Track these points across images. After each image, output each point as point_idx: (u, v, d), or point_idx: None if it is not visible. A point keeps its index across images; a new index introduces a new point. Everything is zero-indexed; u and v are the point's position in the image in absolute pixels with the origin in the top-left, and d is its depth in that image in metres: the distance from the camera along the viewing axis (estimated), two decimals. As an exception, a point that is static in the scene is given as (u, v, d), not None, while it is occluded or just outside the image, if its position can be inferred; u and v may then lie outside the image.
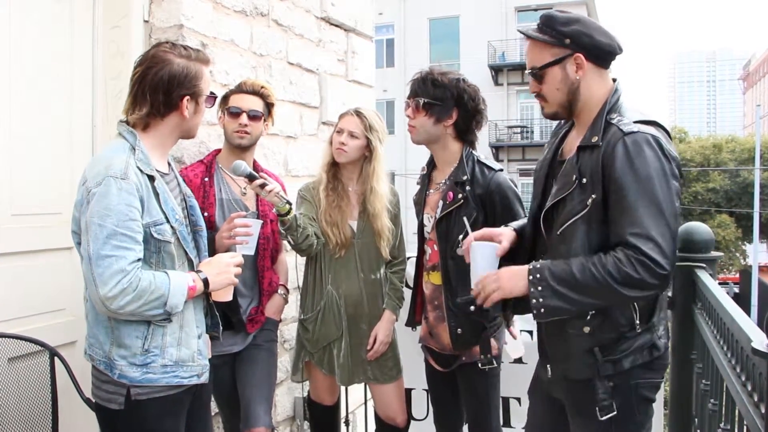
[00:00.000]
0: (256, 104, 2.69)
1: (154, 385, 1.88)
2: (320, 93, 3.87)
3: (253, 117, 2.67)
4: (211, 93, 2.06)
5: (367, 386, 3.25)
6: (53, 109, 2.55)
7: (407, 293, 2.94)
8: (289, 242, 2.75)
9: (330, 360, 2.87)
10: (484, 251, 2.00)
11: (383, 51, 26.64)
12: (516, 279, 1.85)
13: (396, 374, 2.94)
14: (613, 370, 1.82)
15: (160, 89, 1.92)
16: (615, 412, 1.80)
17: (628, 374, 1.83)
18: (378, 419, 3.05)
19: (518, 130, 26.51)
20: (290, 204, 2.57)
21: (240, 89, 2.71)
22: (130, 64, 2.71)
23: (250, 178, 2.47)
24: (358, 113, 2.82)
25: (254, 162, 2.81)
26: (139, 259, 1.82)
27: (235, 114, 2.65)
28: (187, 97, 1.95)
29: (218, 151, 2.79)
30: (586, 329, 1.83)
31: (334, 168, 2.86)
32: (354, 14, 4.17)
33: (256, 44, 3.30)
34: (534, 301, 1.79)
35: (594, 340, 1.83)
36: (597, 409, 1.81)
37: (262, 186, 2.46)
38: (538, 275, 1.80)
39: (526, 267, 1.85)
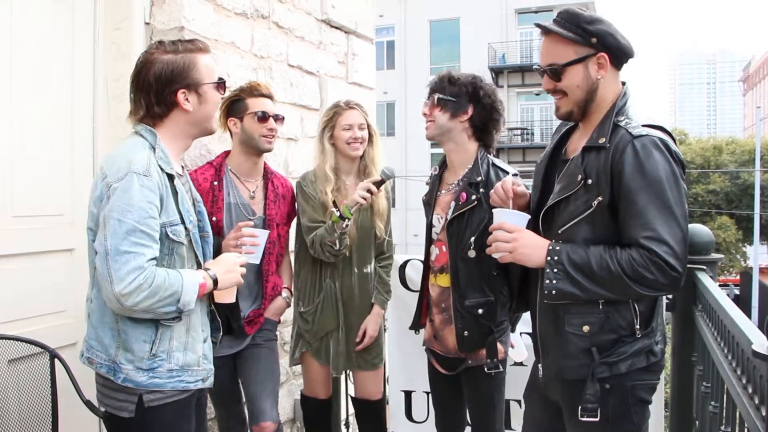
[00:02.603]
0: (273, 106, 2.73)
1: (162, 390, 1.85)
2: (321, 95, 3.87)
3: (277, 119, 2.71)
4: (220, 79, 2.00)
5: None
6: (54, 110, 2.55)
7: (413, 297, 2.95)
8: (331, 245, 2.73)
9: (327, 350, 2.93)
10: (513, 219, 1.95)
11: (384, 53, 26.65)
12: (534, 250, 1.86)
13: (378, 363, 3.02)
14: (609, 373, 1.82)
15: (150, 92, 1.90)
16: (597, 419, 1.80)
17: (625, 377, 1.82)
18: (354, 398, 3.12)
19: (518, 132, 26.52)
20: (352, 215, 2.70)
21: (259, 93, 2.70)
22: (131, 66, 2.69)
23: (383, 182, 2.70)
24: (358, 105, 2.90)
25: (264, 163, 2.82)
26: (155, 258, 1.79)
27: (264, 118, 2.66)
28: (182, 90, 1.90)
29: (227, 153, 2.78)
30: (585, 329, 1.83)
31: (336, 165, 2.90)
32: (354, 16, 4.17)
33: (256, 46, 3.30)
34: (547, 281, 1.80)
35: (592, 341, 1.83)
36: (579, 408, 1.81)
37: (371, 193, 2.65)
38: (556, 257, 1.80)
39: (547, 243, 1.85)
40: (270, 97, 2.73)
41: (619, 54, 1.86)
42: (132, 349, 1.82)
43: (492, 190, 2.11)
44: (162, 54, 1.91)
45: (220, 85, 2.00)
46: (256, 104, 2.67)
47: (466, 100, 2.51)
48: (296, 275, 2.99)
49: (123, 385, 1.83)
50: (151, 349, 1.83)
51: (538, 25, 1.92)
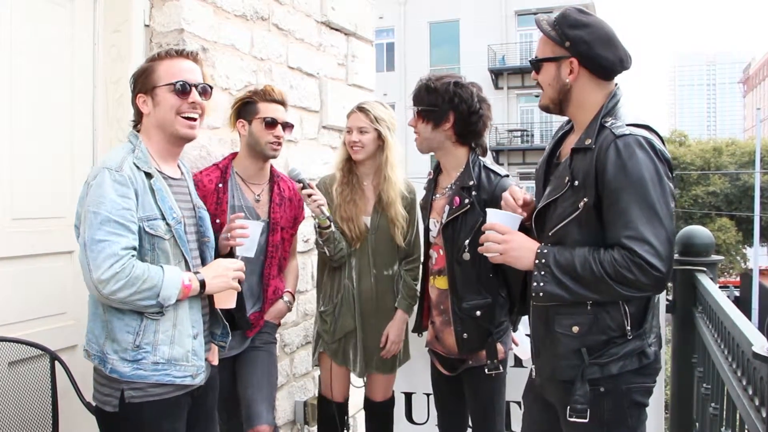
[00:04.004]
0: (284, 114, 2.71)
1: (146, 383, 1.89)
2: (320, 97, 3.87)
3: (285, 127, 2.70)
4: (175, 82, 1.99)
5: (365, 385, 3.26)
6: (54, 112, 2.55)
7: None
8: (323, 252, 2.81)
9: (345, 352, 2.93)
10: (506, 220, 1.97)
11: (383, 55, 26.67)
12: (524, 252, 1.88)
13: (390, 369, 3.01)
14: (600, 374, 1.81)
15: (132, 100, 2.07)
16: (587, 420, 1.80)
17: (619, 379, 1.82)
18: (365, 398, 3.14)
19: (518, 133, 26.53)
20: (331, 220, 2.72)
21: (272, 98, 2.68)
22: (130, 69, 2.73)
23: (302, 186, 2.64)
24: (361, 108, 2.89)
25: (271, 166, 2.82)
26: (133, 248, 1.85)
27: (272, 124, 2.64)
28: (140, 95, 2.02)
29: (234, 155, 2.78)
30: (575, 329, 1.84)
31: (348, 164, 2.92)
32: (354, 18, 4.18)
33: (256, 48, 3.31)
34: (535, 284, 1.83)
35: (581, 341, 1.83)
36: (568, 408, 1.81)
37: (309, 195, 2.64)
38: (543, 260, 1.82)
39: (536, 245, 1.87)
40: (282, 103, 2.71)
41: (591, 63, 1.85)
42: (117, 339, 1.88)
43: (502, 201, 2.09)
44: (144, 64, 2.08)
45: (171, 86, 1.99)
46: (267, 109, 2.66)
47: (446, 108, 2.49)
48: (319, 275, 3.01)
49: (110, 376, 1.88)
50: (135, 340, 1.88)
51: (536, 21, 1.96)
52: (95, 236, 1.80)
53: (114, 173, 1.86)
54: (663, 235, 1.71)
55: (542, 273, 1.81)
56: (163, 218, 1.94)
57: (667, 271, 1.71)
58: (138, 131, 2.05)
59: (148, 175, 1.95)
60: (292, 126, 2.76)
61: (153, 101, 2.01)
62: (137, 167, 1.93)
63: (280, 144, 2.68)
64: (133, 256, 1.84)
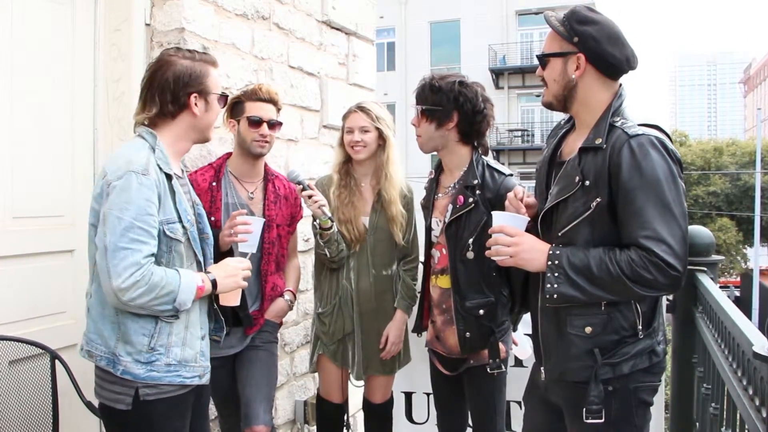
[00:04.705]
0: (273, 112, 2.71)
1: (159, 383, 1.91)
2: (321, 96, 3.87)
3: (272, 126, 2.69)
4: (222, 93, 2.10)
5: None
6: (54, 111, 2.56)
7: None
8: (324, 254, 2.80)
9: (344, 353, 2.92)
10: (513, 222, 1.96)
11: (384, 54, 26.64)
12: (536, 254, 1.86)
13: (390, 371, 3.00)
14: (612, 374, 1.82)
15: (167, 90, 1.98)
16: (602, 420, 1.79)
17: (628, 378, 1.82)
18: (363, 400, 3.13)
19: (519, 133, 26.52)
20: (332, 220, 2.71)
21: (257, 97, 2.69)
22: (131, 67, 2.74)
23: (302, 188, 2.64)
24: (362, 108, 2.88)
25: (265, 165, 2.83)
26: (153, 254, 1.85)
27: (256, 123, 2.65)
28: (195, 95, 2.00)
29: (229, 154, 2.79)
30: (588, 330, 1.83)
31: (346, 166, 2.91)
32: (355, 18, 4.18)
33: (257, 48, 3.31)
34: (549, 285, 1.81)
35: (594, 342, 1.83)
36: (584, 410, 1.80)
37: (310, 197, 2.64)
38: (556, 261, 1.81)
39: (547, 247, 1.86)
40: (272, 101, 2.71)
41: (599, 60, 1.84)
42: (131, 341, 1.88)
43: (506, 202, 2.08)
44: (181, 58, 2.02)
45: (222, 97, 2.10)
46: (252, 108, 2.67)
47: (451, 107, 2.48)
48: (316, 276, 3.00)
49: (122, 377, 1.88)
50: (150, 342, 1.89)
51: (545, 17, 1.96)
52: (118, 243, 1.79)
53: (141, 177, 1.85)
54: (679, 235, 1.71)
55: (556, 274, 1.80)
56: (180, 221, 1.95)
57: (683, 270, 1.71)
58: (158, 126, 2.00)
59: (168, 177, 1.95)
60: (280, 124, 2.74)
61: (206, 105, 2.04)
62: (159, 168, 1.93)
63: (267, 142, 2.69)
64: (151, 262, 1.85)
